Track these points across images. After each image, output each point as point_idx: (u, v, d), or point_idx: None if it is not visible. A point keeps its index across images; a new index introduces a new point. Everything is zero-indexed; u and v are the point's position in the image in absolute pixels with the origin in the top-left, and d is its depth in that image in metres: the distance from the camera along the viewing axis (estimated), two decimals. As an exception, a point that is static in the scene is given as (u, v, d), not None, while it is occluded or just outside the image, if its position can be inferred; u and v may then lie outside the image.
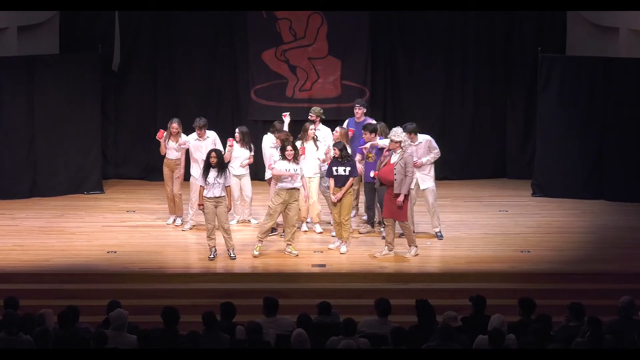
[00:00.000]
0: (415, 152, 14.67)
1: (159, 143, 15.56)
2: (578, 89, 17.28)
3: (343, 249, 14.43)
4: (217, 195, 13.96)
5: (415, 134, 14.75)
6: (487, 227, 15.78)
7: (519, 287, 13.18)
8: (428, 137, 14.89)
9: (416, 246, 14.27)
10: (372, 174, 14.42)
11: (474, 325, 10.37)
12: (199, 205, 14.14)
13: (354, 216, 15.50)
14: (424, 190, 14.85)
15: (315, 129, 15.18)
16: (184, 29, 18.33)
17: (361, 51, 18.27)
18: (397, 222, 14.09)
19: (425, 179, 14.84)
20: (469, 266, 14.00)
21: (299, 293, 13.10)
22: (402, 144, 13.90)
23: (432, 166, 14.94)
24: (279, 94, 18.35)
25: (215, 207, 14.00)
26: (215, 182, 13.91)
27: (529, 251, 14.58)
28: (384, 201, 14.15)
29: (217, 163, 13.92)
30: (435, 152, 14.86)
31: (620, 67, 17.06)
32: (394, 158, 13.93)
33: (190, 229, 15.48)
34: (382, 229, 14.83)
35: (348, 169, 14.25)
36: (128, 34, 18.42)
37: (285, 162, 14.11)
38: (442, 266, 14.19)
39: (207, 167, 13.97)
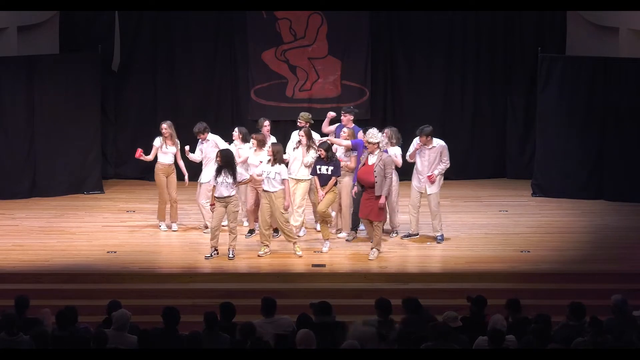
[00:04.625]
0: (427, 156, 14.64)
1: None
2: (578, 89, 17.28)
3: (325, 248, 14.48)
4: (226, 195, 13.97)
5: (431, 138, 14.64)
6: (487, 227, 15.78)
7: (519, 287, 13.18)
8: (443, 143, 14.74)
9: (379, 250, 14.17)
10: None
11: (473, 325, 10.36)
12: (211, 205, 14.14)
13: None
14: (428, 195, 14.79)
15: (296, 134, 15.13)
16: (184, 29, 18.34)
17: (361, 51, 18.27)
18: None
19: (434, 185, 14.76)
20: (469, 266, 14.00)
21: (299, 293, 13.09)
22: (379, 145, 13.88)
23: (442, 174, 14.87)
24: (279, 94, 18.35)
25: (225, 206, 14.01)
26: (224, 182, 13.92)
27: (529, 251, 14.58)
28: (361, 201, 14.15)
29: (223, 163, 13.95)
30: (445, 163, 14.69)
31: (620, 67, 17.06)
32: (372, 159, 13.91)
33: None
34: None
35: (331, 168, 14.25)
36: (128, 34, 18.43)
37: (263, 165, 14.18)
38: (442, 266, 14.19)
39: (218, 168, 14.02)
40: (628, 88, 16.96)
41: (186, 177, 15.41)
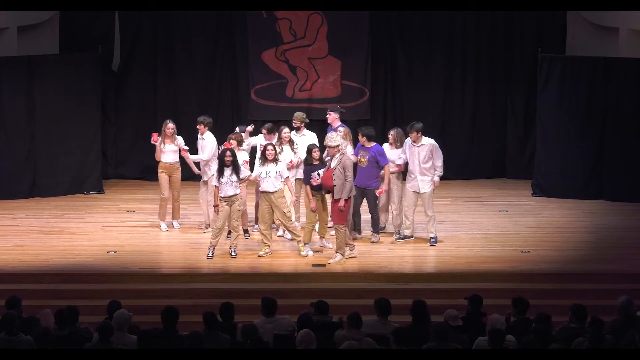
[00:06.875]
0: (417, 154, 14.60)
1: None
2: (578, 89, 17.28)
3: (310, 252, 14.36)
4: (231, 194, 13.96)
5: (421, 135, 14.60)
6: (487, 227, 15.78)
7: (519, 287, 13.17)
8: (433, 141, 14.66)
9: (343, 255, 13.98)
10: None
11: (471, 324, 10.36)
12: (215, 206, 14.12)
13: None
14: (422, 194, 14.75)
15: (292, 135, 14.96)
16: (184, 29, 18.34)
17: (361, 51, 18.27)
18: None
19: (426, 183, 14.72)
20: (469, 266, 14.00)
21: (299, 293, 13.09)
22: (339, 148, 13.82)
23: (434, 172, 14.76)
24: (279, 94, 18.35)
25: (230, 205, 14.01)
26: (229, 181, 13.91)
27: (529, 251, 14.58)
28: (331, 206, 14.06)
29: (232, 162, 13.93)
30: (438, 166, 14.60)
31: (620, 67, 17.06)
32: (333, 163, 13.82)
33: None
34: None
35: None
36: (128, 34, 18.43)
37: (259, 165, 14.13)
38: (442, 266, 14.17)
39: (221, 166, 13.99)
40: (628, 88, 16.96)
41: (195, 170, 15.41)
